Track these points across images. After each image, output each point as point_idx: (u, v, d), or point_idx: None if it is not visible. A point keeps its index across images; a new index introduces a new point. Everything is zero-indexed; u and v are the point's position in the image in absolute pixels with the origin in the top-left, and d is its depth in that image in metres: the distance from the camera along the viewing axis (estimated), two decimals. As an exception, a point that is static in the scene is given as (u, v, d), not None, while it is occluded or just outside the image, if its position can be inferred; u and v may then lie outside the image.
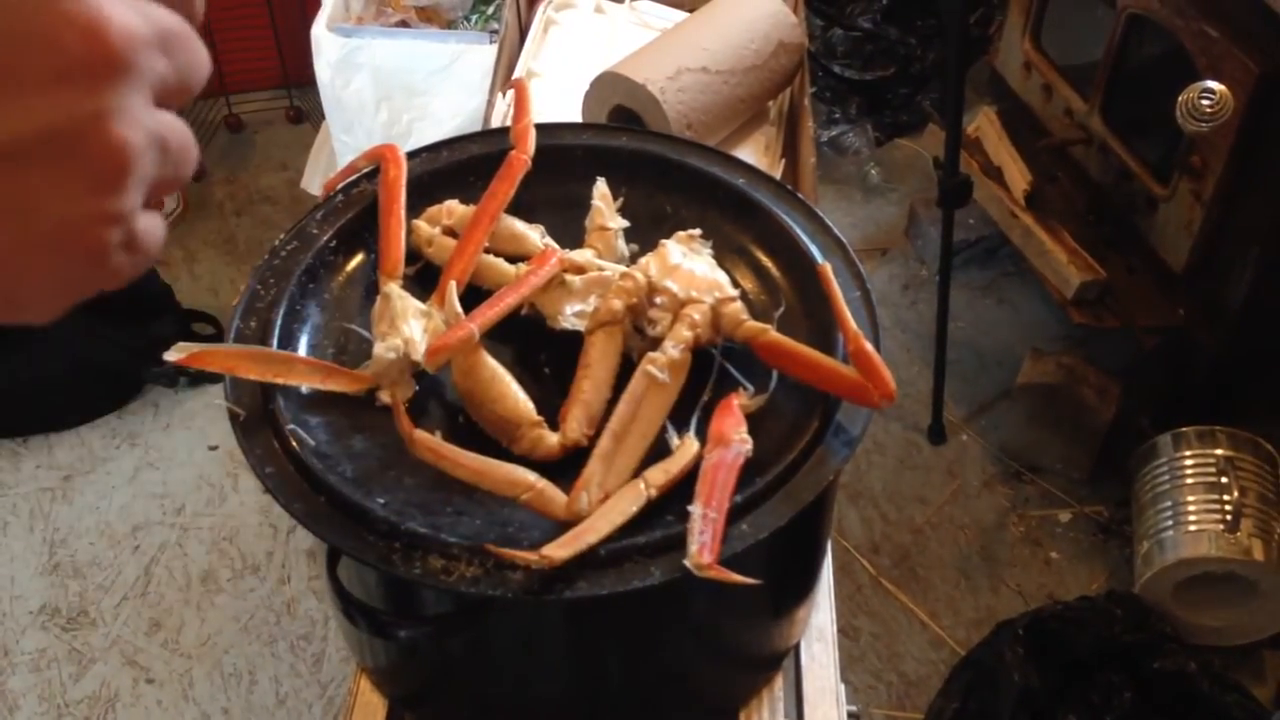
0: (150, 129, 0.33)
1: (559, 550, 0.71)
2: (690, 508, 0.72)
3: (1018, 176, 1.94)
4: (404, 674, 0.90)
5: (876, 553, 1.85)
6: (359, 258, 0.91)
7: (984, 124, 2.08)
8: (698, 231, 0.88)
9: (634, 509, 0.74)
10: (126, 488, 1.91)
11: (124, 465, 1.94)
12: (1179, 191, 1.63)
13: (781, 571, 0.88)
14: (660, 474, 0.76)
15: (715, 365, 0.84)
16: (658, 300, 0.84)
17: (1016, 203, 1.92)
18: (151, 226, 0.35)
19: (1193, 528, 1.67)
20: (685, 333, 0.81)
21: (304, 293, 0.87)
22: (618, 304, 0.83)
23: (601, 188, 0.91)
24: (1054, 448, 1.97)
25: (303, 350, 0.84)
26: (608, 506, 0.74)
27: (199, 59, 0.35)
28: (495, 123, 1.39)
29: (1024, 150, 1.97)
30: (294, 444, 0.77)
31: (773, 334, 0.81)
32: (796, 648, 0.97)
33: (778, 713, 0.92)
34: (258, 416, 0.79)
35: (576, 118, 1.28)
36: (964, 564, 1.84)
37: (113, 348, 1.93)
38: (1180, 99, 1.33)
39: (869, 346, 0.76)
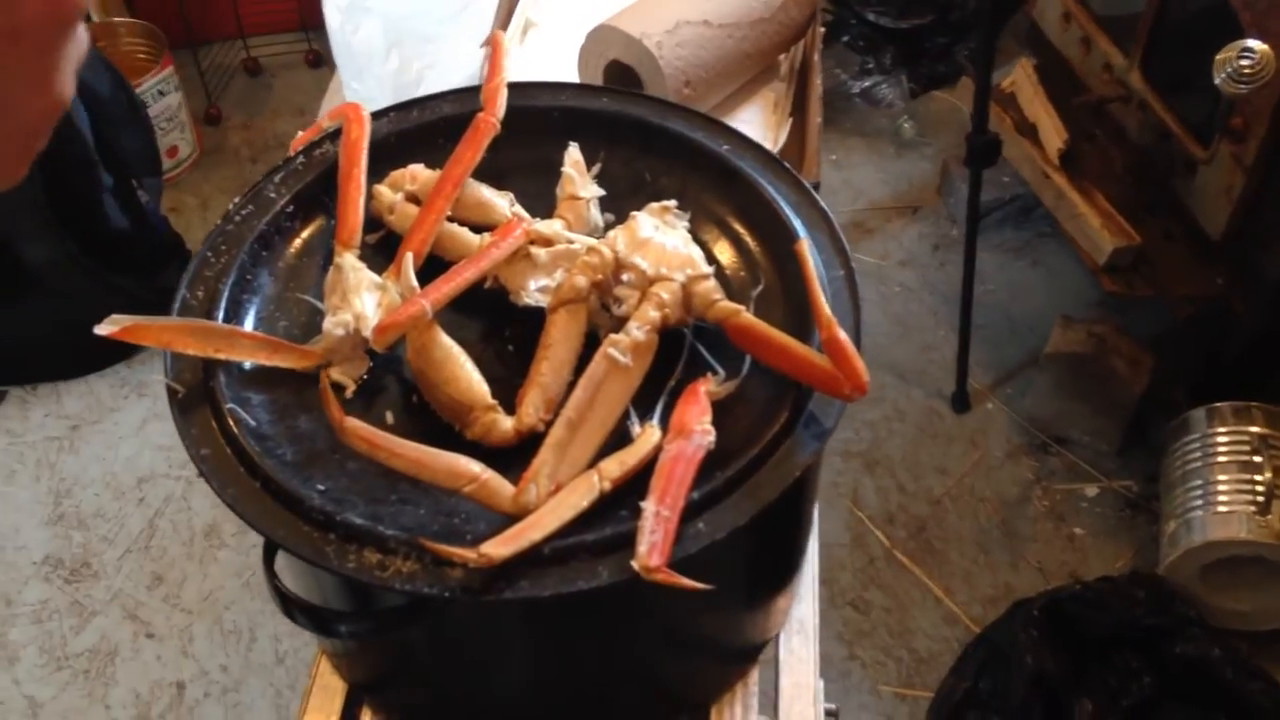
0: None
1: (499, 548, 0.66)
2: (643, 504, 0.68)
3: (1053, 134, 1.85)
4: (360, 661, 0.86)
5: (892, 524, 1.80)
6: (318, 224, 0.86)
7: (1020, 78, 1.99)
8: (672, 203, 0.82)
9: (585, 503, 0.70)
10: (134, 438, 1.89)
11: (132, 415, 1.92)
12: (1219, 155, 1.54)
13: (754, 564, 0.83)
14: (616, 465, 0.71)
15: (685, 347, 0.79)
16: (625, 277, 0.79)
17: (1049, 162, 1.84)
18: None
19: (1222, 508, 1.60)
20: (652, 313, 0.76)
21: (256, 261, 0.83)
22: (581, 281, 0.78)
23: (573, 154, 0.86)
24: (1082, 419, 1.90)
25: (251, 323, 0.80)
26: (556, 501, 0.69)
27: None
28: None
29: (1061, 107, 1.88)
30: (232, 424, 0.73)
31: (745, 316, 0.76)
32: (777, 639, 0.93)
33: (751, 709, 0.88)
34: (198, 393, 0.75)
35: (573, 72, 1.22)
36: (983, 538, 1.79)
37: (123, 296, 1.91)
38: (1218, 58, 1.24)
39: (842, 334, 0.71)
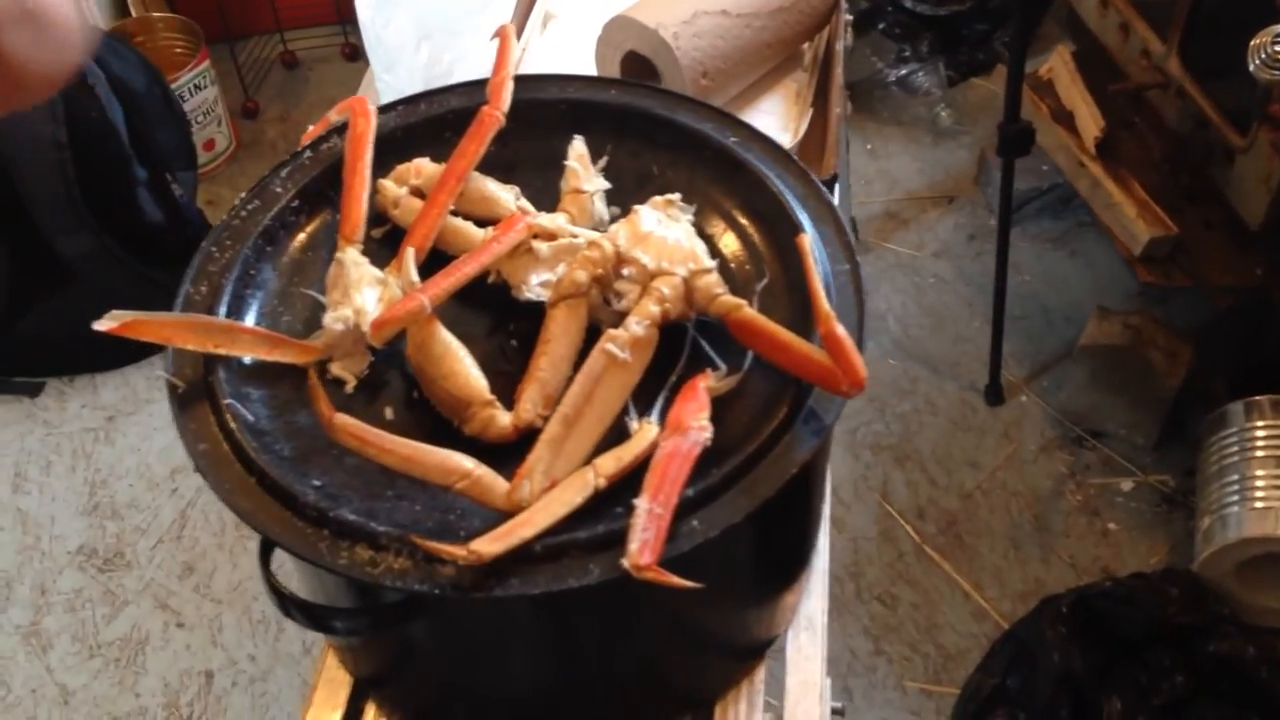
0: None
1: (490, 545, 0.66)
2: (636, 501, 0.67)
3: (1090, 122, 1.82)
4: (362, 656, 0.87)
5: (922, 518, 1.78)
6: (323, 218, 0.87)
7: (1057, 64, 1.95)
8: (676, 196, 0.81)
9: (579, 500, 0.69)
10: (168, 429, 1.91)
11: (167, 407, 1.93)
12: (1258, 142, 1.50)
13: (757, 561, 0.82)
14: (611, 462, 0.71)
15: (687, 341, 0.78)
16: (626, 272, 0.78)
17: (1085, 151, 1.80)
18: None
19: (1259, 504, 1.57)
20: (652, 308, 0.76)
21: (260, 256, 0.83)
22: (581, 275, 0.77)
23: (578, 147, 0.85)
24: (1118, 412, 1.86)
25: (253, 318, 0.80)
26: (549, 498, 0.69)
27: None
28: (524, 69, 1.33)
29: (1098, 94, 1.84)
30: (230, 420, 0.73)
31: (746, 310, 0.75)
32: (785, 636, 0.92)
33: (756, 707, 0.87)
34: (198, 388, 0.76)
35: (591, 64, 1.21)
36: (1015, 533, 1.76)
37: (158, 289, 1.93)
38: (1253, 44, 1.21)
39: (840, 330, 0.69)
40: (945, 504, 1.80)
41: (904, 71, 2.45)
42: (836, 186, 1.17)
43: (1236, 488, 1.61)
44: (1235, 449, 1.65)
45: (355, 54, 2.56)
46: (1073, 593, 1.55)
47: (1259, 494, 1.58)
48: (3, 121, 1.71)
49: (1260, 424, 1.63)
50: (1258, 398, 1.64)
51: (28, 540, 1.78)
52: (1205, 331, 1.83)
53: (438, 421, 0.76)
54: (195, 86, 2.21)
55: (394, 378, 0.80)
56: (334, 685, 0.90)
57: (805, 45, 1.30)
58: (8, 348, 1.94)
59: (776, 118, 1.24)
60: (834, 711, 0.89)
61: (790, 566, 0.87)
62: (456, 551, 0.65)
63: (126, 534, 1.78)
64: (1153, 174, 1.76)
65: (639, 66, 1.17)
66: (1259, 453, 1.61)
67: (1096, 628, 1.53)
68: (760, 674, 0.89)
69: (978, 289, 2.10)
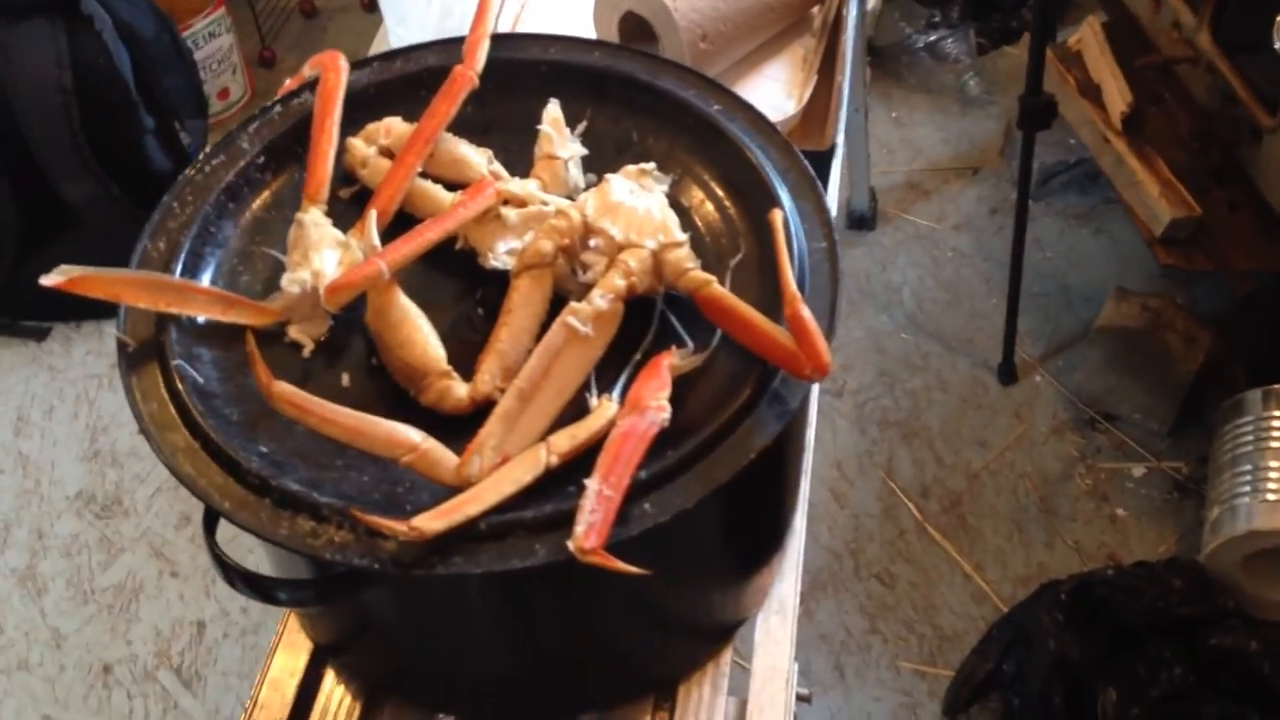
0: None
1: (433, 521, 0.64)
2: (586, 481, 0.65)
3: (1116, 96, 1.76)
4: (319, 624, 0.85)
5: (925, 497, 1.75)
6: (288, 176, 0.84)
7: (1087, 35, 1.89)
8: (651, 165, 0.79)
9: (529, 478, 0.67)
10: (173, 379, 1.91)
11: (172, 356, 1.94)
12: (1288, 124, 1.45)
13: (721, 544, 0.80)
14: (565, 439, 0.69)
15: (655, 316, 0.76)
16: (593, 242, 0.75)
17: (1110, 126, 1.75)
18: None
19: (1271, 496, 1.53)
20: (618, 281, 0.73)
21: (221, 213, 0.81)
22: (546, 245, 0.75)
23: (552, 111, 0.82)
24: (1134, 396, 1.82)
25: (210, 276, 0.78)
26: (499, 474, 0.67)
27: None
28: (522, 28, 1.30)
29: (1127, 68, 1.78)
30: (178, 381, 0.71)
31: (714, 287, 0.72)
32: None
33: (720, 690, 0.86)
34: (149, 348, 0.74)
35: (589, 25, 1.18)
36: (1020, 515, 1.73)
37: (167, 237, 1.92)
38: (1278, 20, 1.16)
39: (805, 311, 0.67)
40: (951, 483, 1.77)
41: (933, 38, 2.39)
42: (836, 159, 1.14)
43: (1249, 478, 1.56)
44: (1250, 438, 1.60)
45: (374, 4, 2.53)
46: (1073, 579, 1.52)
47: (1271, 485, 1.54)
48: (7, 65, 1.70)
49: (1278, 413, 1.59)
50: (1276, 386, 1.60)
51: (28, 484, 1.79)
52: (1226, 317, 1.78)
53: (396, 390, 0.74)
54: (210, 34, 2.19)
55: (355, 343, 0.78)
56: (294, 649, 0.89)
57: (815, 9, 1.26)
58: (15, 292, 1.94)
59: (781, 84, 1.20)
60: (799, 698, 0.86)
61: (757, 551, 0.84)
62: (398, 527, 0.63)
63: (126, 482, 1.78)
64: (1179, 152, 1.70)
65: (637, 28, 1.13)
66: (1274, 443, 1.57)
67: (1097, 615, 1.50)
68: (727, 656, 0.87)
69: (997, 264, 2.05)
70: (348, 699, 0.85)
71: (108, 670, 1.58)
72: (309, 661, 0.87)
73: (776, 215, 0.72)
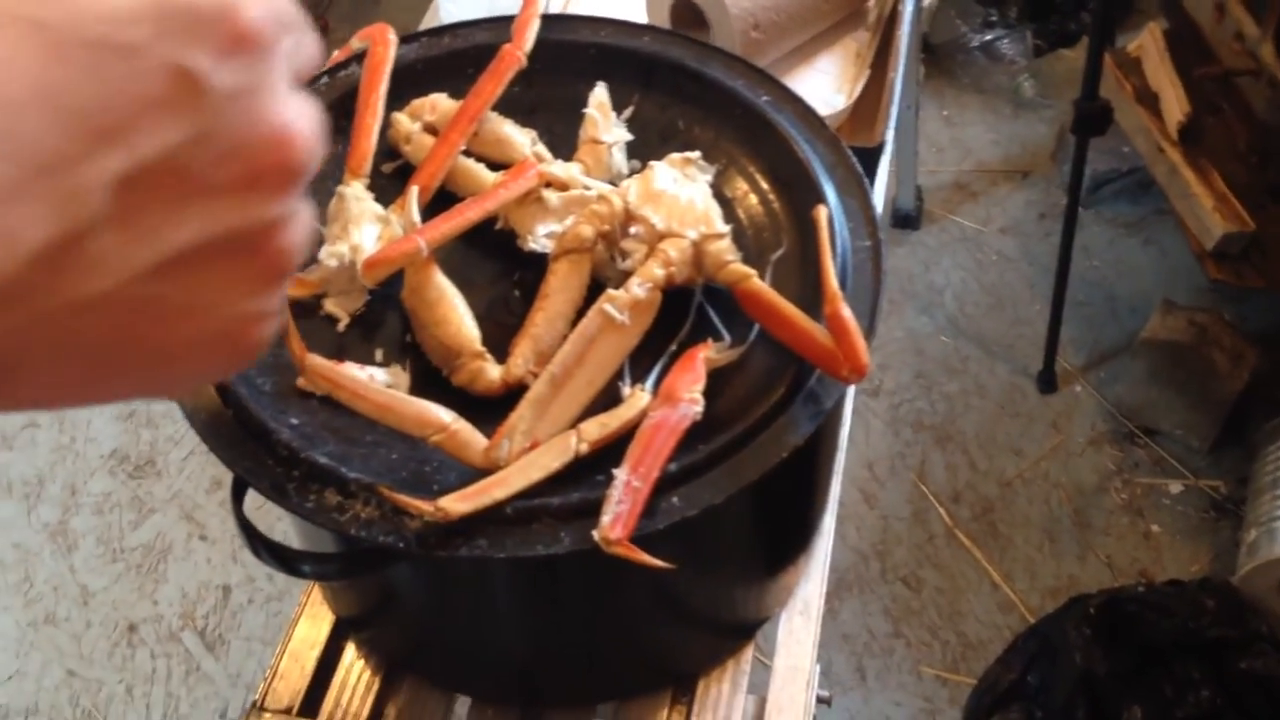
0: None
1: (459, 503, 0.64)
2: (615, 472, 0.64)
3: (1174, 105, 1.73)
4: (342, 598, 0.85)
5: (957, 502, 1.73)
6: (333, 148, 0.84)
7: (1147, 42, 1.86)
8: (696, 154, 0.77)
9: (557, 465, 0.66)
10: (211, 343, 1.93)
11: (211, 321, 1.95)
12: (1351, 142, 1.42)
13: (747, 541, 0.79)
14: (596, 428, 0.68)
15: (693, 308, 0.75)
16: (633, 230, 0.74)
17: (1166, 136, 1.72)
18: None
19: (1311, 521, 1.50)
20: (656, 270, 0.72)
21: (265, 183, 0.80)
22: (586, 230, 0.74)
23: (599, 94, 0.82)
24: (1175, 412, 1.79)
25: (250, 246, 0.78)
26: (528, 460, 0.66)
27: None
28: (574, 9, 1.29)
29: (1187, 77, 1.75)
30: (212, 349, 0.71)
31: (754, 281, 0.71)
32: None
33: (740, 687, 0.85)
34: (186, 314, 0.74)
35: (641, 9, 1.17)
36: (1052, 526, 1.71)
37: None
38: (1349, 37, 1.13)
39: (845, 311, 0.66)
40: (983, 490, 1.75)
41: (989, 37, 2.36)
42: (884, 156, 1.12)
43: (1288, 501, 1.54)
44: (1292, 461, 1.58)
45: (430, -21, 2.53)
46: (1103, 594, 1.50)
47: (1312, 510, 1.51)
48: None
49: (1322, 437, 1.56)
50: (1322, 409, 1.57)
51: (63, 440, 1.81)
52: (1274, 335, 1.74)
53: (428, 369, 0.74)
54: (265, 1, 2.19)
55: (390, 319, 0.77)
56: (316, 620, 0.89)
57: (870, 2, 1.25)
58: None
59: (831, 77, 1.19)
60: (819, 700, 0.85)
61: (784, 550, 0.83)
62: (423, 507, 0.63)
63: (159, 443, 1.80)
64: (1236, 165, 1.67)
65: (689, 15, 1.12)
66: (1317, 467, 1.54)
67: (1125, 632, 1.48)
68: (748, 653, 0.86)
69: (1042, 270, 2.03)
70: (367, 673, 0.85)
71: (133, 629, 1.60)
72: (330, 634, 0.87)
73: (821, 211, 0.71)
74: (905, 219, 2.09)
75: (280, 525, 1.66)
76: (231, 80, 0.30)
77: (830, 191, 0.77)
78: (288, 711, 0.82)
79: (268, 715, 0.82)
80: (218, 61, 0.30)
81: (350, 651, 0.87)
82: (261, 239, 0.32)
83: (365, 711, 0.83)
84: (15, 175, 0.27)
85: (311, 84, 0.86)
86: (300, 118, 0.32)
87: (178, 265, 0.30)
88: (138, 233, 0.29)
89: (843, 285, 0.71)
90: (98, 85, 0.28)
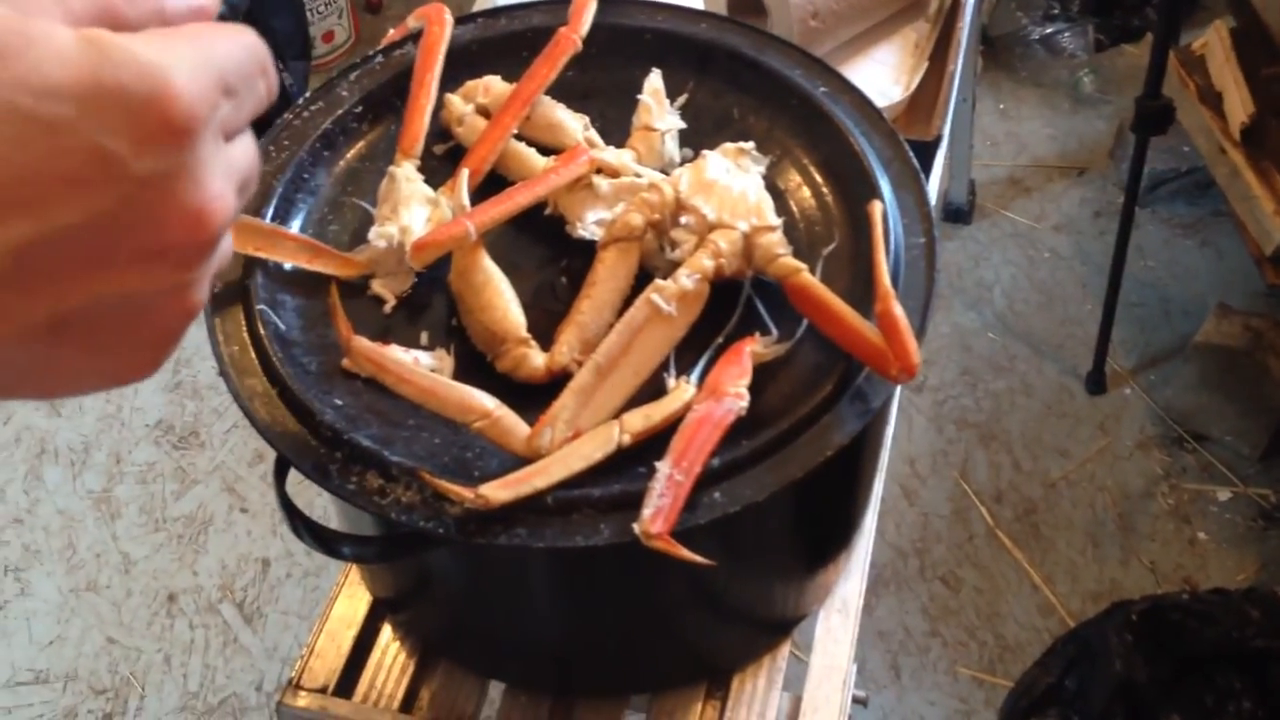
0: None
1: (499, 491, 0.63)
2: (657, 464, 0.63)
3: (1238, 106, 1.69)
4: (379, 580, 0.85)
5: (999, 502, 1.71)
6: (385, 127, 0.84)
7: (1213, 40, 1.82)
8: (750, 145, 0.76)
9: (599, 455, 0.66)
10: (257, 317, 1.94)
11: (258, 295, 1.96)
12: None
13: (788, 539, 0.78)
14: (639, 419, 0.67)
15: (741, 301, 0.74)
16: (684, 220, 0.74)
17: (1229, 136, 1.68)
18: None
19: (1364, 535, 1.47)
20: (705, 261, 0.71)
21: (316, 160, 0.80)
22: (636, 219, 0.73)
23: (653, 81, 0.81)
24: (1226, 418, 1.76)
25: (299, 224, 0.78)
26: (569, 449, 0.66)
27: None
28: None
29: (1252, 77, 1.71)
30: (260, 326, 0.71)
31: (805, 275, 0.70)
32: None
33: (775, 684, 0.84)
34: (235, 291, 0.74)
35: (698, -6, 1.16)
36: (1096, 529, 1.68)
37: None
38: None
39: (897, 309, 0.64)
40: (1026, 490, 1.73)
41: (1049, 30, 2.32)
42: (941, 150, 1.11)
43: (1341, 514, 1.50)
44: (1347, 473, 1.54)
45: (485, -41, 2.52)
46: (1146, 600, 1.48)
47: (1365, 524, 1.48)
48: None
49: (1378, 450, 1.52)
50: (1380, 421, 1.53)
51: (109, 409, 1.82)
52: (1334, 344, 1.70)
53: (472, 353, 0.74)
54: (320, -23, 2.20)
55: (436, 302, 0.77)
56: (354, 600, 0.89)
57: (932, -7, 1.23)
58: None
59: (889, 68, 1.17)
60: (855, 700, 0.85)
61: (824, 548, 0.83)
62: (464, 493, 0.63)
63: (204, 415, 1.81)
64: (1300, 169, 1.63)
65: (748, 2, 1.11)
66: (1372, 480, 1.51)
67: (1167, 639, 1.46)
68: (784, 650, 0.85)
69: (1095, 269, 2.00)
70: (402, 656, 0.85)
71: (172, 599, 1.62)
72: (367, 614, 0.88)
73: (876, 207, 0.70)
74: (957, 213, 2.06)
75: (319, 502, 1.67)
76: (151, 165, 0.30)
77: (885, 186, 0.76)
78: (323, 690, 0.82)
79: (303, 693, 0.82)
80: (140, 147, 0.30)
81: (386, 633, 0.87)
82: (159, 304, 0.33)
83: (400, 694, 0.83)
84: None
85: (366, 62, 0.86)
86: (216, 198, 0.32)
87: (72, 323, 0.31)
88: (34, 293, 0.30)
89: (894, 283, 0.70)
90: (19, 155, 0.29)
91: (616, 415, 0.68)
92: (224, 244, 0.35)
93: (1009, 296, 1.98)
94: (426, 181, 0.78)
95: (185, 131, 0.31)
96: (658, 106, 0.80)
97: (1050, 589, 1.62)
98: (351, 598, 0.89)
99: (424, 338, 0.75)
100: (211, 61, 0.33)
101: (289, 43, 1.96)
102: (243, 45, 0.35)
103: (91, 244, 0.30)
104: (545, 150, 0.81)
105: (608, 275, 0.73)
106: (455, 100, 0.83)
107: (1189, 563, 1.66)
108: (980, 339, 1.91)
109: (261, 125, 0.81)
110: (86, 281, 0.31)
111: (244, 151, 0.35)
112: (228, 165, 0.33)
